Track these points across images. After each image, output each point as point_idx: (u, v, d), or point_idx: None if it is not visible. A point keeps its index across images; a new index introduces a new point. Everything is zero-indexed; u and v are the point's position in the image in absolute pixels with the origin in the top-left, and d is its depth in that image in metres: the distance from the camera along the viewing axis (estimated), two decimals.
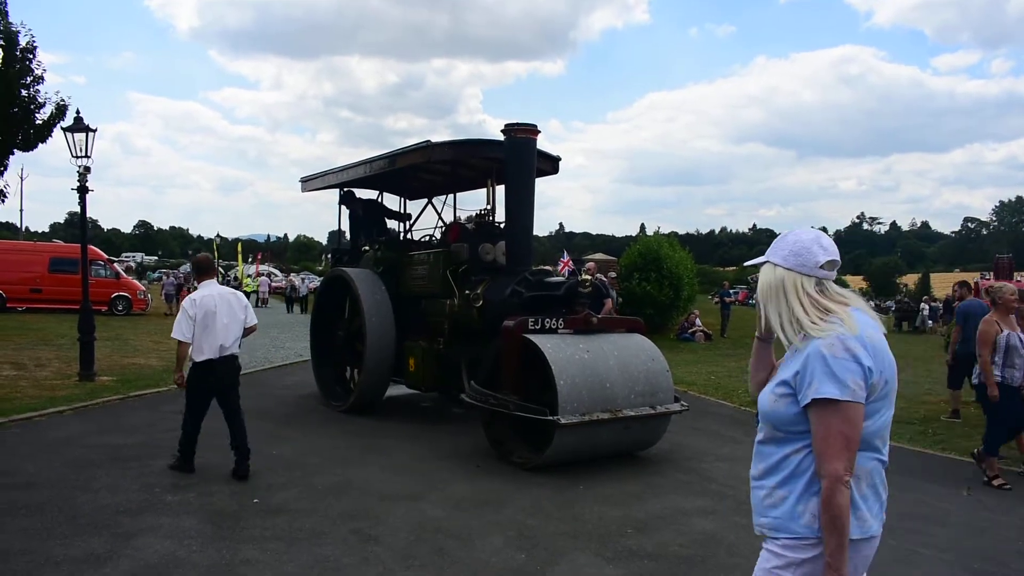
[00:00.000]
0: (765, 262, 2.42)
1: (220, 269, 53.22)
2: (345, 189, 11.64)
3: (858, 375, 2.17)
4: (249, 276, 44.76)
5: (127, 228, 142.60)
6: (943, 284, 59.55)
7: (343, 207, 11.72)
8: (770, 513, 2.32)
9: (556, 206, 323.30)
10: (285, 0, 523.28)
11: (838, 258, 2.38)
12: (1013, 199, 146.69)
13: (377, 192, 12.08)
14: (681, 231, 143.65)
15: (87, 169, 11.76)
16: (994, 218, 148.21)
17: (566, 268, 15.84)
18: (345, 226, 12.28)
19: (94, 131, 11.76)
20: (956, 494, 6.89)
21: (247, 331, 6.98)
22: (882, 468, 2.32)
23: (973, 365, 9.65)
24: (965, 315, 10.44)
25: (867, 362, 2.18)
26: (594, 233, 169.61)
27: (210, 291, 6.76)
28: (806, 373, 2.21)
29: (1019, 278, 35.46)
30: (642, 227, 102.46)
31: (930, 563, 5.16)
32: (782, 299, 2.35)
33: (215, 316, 6.63)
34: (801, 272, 2.34)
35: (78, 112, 11.93)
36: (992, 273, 36.36)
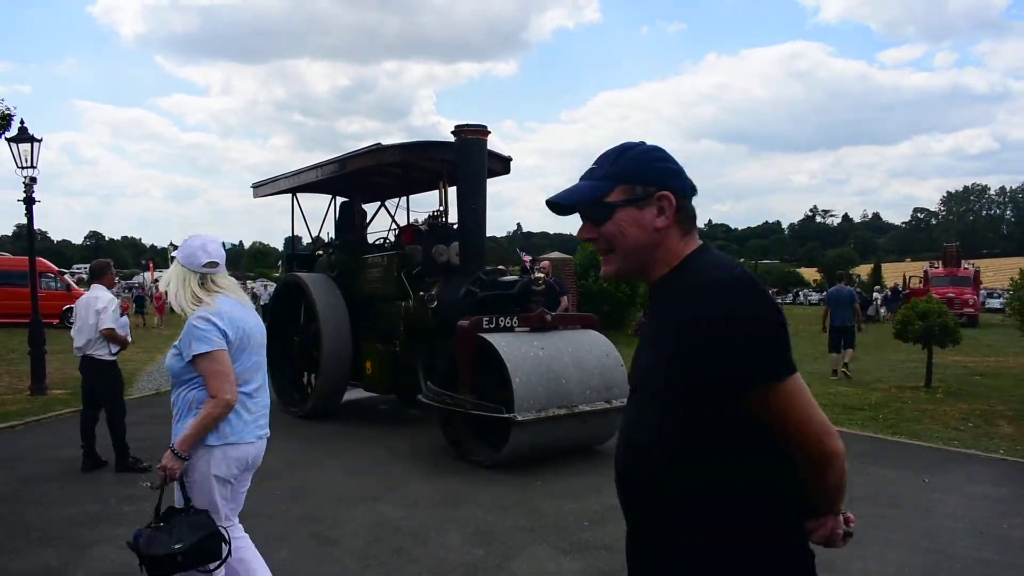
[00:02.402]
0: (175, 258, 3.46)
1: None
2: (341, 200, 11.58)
3: (215, 334, 3.28)
4: None
5: (78, 239, 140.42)
6: (894, 274, 60.68)
7: (341, 212, 11.57)
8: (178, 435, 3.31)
9: (513, 206, 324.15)
10: (232, 4, 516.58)
11: (219, 260, 3.45)
12: (960, 189, 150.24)
13: (330, 197, 12.02)
14: None
15: (33, 180, 11.57)
16: (942, 208, 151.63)
17: (529, 263, 15.85)
18: (300, 230, 12.23)
19: (39, 141, 11.59)
20: (905, 477, 7.06)
21: (106, 335, 7.15)
22: (244, 397, 3.40)
23: (845, 332, 13.71)
24: (830, 298, 14.52)
25: (221, 325, 3.31)
26: (552, 232, 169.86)
27: (84, 296, 7.36)
28: (185, 338, 3.30)
29: (966, 265, 36.35)
30: None
31: (879, 544, 5.29)
32: (175, 286, 3.39)
33: (74, 319, 7.35)
34: (189, 269, 3.41)
35: (22, 122, 11.73)
36: (940, 261, 37.22)
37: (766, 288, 1.72)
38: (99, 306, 7.08)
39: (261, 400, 3.56)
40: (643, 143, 1.86)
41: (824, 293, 54.04)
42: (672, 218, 1.77)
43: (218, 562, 3.29)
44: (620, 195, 1.77)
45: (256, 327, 3.52)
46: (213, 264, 3.43)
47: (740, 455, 1.67)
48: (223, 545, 3.25)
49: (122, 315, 7.34)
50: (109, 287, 7.42)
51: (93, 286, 7.34)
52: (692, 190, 1.83)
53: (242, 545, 3.58)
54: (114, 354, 7.28)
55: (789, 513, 1.73)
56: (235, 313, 3.41)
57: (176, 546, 3.15)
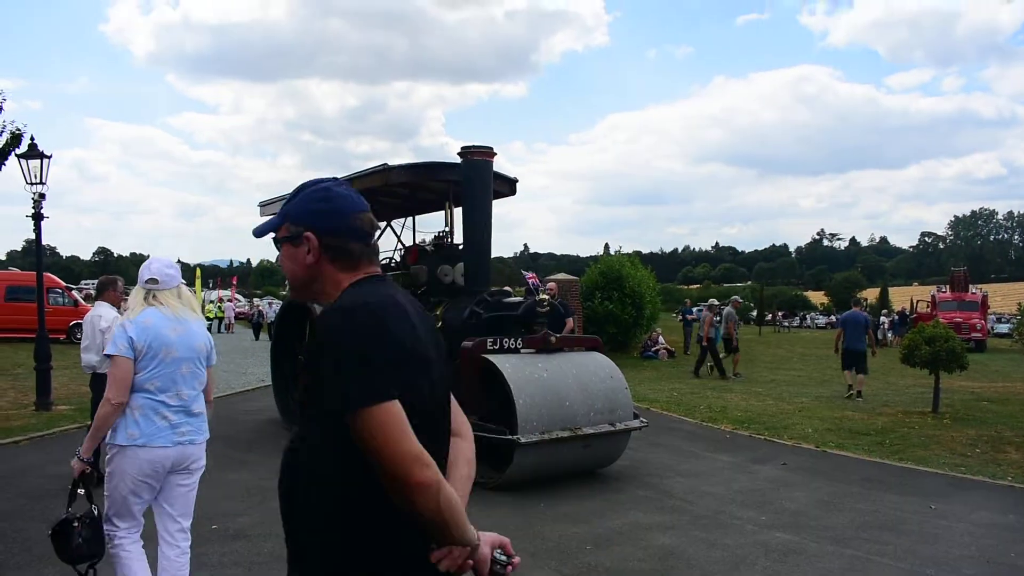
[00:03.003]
0: None
1: None
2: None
3: (123, 340, 3.63)
4: (212, 302, 44.16)
5: (86, 255, 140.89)
6: (902, 298, 60.49)
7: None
8: None
9: (521, 227, 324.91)
10: (242, 24, 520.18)
11: (160, 277, 3.81)
12: (968, 214, 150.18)
13: None
14: (645, 250, 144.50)
15: (42, 196, 11.62)
16: (950, 232, 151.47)
17: (533, 282, 15.89)
18: None
19: (49, 157, 11.63)
20: (911, 503, 7.00)
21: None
22: (158, 404, 3.70)
23: (857, 356, 14.07)
24: (844, 322, 14.97)
25: (131, 333, 3.64)
26: (559, 253, 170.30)
27: (88, 313, 7.20)
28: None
29: (974, 290, 36.21)
30: (606, 247, 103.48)
31: (885, 571, 5.26)
32: (129, 300, 3.90)
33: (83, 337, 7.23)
34: (139, 284, 3.83)
35: (32, 138, 11.82)
36: (948, 286, 37.08)
37: (383, 317, 1.75)
38: (102, 325, 6.99)
39: (188, 407, 3.82)
40: (318, 182, 1.97)
41: (833, 316, 54.70)
42: (317, 255, 1.89)
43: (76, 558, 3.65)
44: (284, 232, 1.93)
45: (179, 341, 3.78)
46: (153, 281, 3.82)
47: (360, 476, 1.72)
48: (65, 546, 3.61)
49: None
50: (114, 304, 7.33)
51: (97, 303, 7.26)
52: (347, 230, 1.91)
53: (127, 553, 3.79)
54: None
55: (407, 541, 1.78)
56: (152, 323, 3.72)
57: (49, 532, 3.68)
